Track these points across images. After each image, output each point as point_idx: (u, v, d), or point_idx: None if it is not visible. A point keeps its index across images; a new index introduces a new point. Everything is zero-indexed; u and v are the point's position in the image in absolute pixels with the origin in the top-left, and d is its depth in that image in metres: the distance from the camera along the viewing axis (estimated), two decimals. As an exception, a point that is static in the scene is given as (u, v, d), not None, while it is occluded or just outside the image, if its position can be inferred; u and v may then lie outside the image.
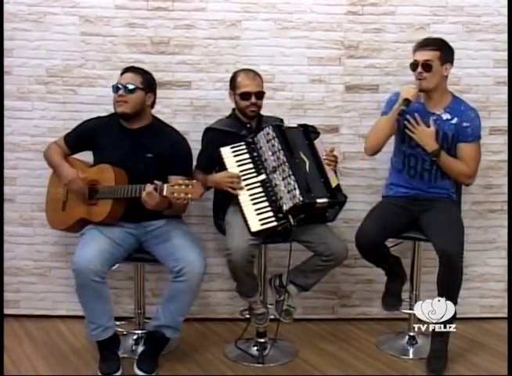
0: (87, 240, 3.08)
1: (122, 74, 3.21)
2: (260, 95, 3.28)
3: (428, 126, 3.20)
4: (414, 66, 3.19)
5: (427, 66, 3.14)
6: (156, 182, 2.92)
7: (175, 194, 2.86)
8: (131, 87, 3.13)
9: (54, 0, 3.54)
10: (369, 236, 3.14)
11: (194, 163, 3.30)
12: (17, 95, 3.61)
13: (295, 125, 3.26)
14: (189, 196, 2.85)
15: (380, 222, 3.19)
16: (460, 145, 3.22)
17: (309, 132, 3.22)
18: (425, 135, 3.17)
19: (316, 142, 3.21)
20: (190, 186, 2.86)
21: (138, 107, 3.17)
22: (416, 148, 3.26)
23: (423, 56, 3.15)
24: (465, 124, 3.20)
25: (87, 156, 3.32)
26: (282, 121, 3.42)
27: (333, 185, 3.11)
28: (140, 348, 3.27)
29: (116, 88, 3.14)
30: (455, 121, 3.22)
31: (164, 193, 2.89)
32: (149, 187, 2.91)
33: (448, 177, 3.29)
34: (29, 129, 3.64)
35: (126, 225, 3.17)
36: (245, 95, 3.24)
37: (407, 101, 3.13)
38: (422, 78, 3.16)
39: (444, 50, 3.18)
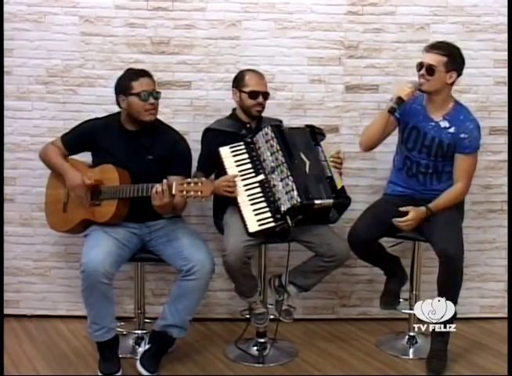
0: (94, 241, 3.04)
1: (136, 78, 3.07)
2: (266, 95, 3.30)
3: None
4: (419, 66, 3.15)
5: (430, 70, 3.09)
6: (164, 181, 2.91)
7: (185, 192, 2.83)
8: (158, 94, 3.12)
9: (54, 0, 3.54)
10: (359, 234, 3.14)
11: (194, 164, 3.29)
12: (17, 95, 3.61)
13: (302, 126, 3.27)
14: (200, 194, 2.81)
15: (371, 221, 3.19)
16: (457, 156, 3.18)
17: (316, 133, 3.22)
18: (415, 219, 3.13)
19: (323, 143, 3.21)
20: (200, 184, 2.82)
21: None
22: (412, 151, 3.25)
23: (430, 59, 3.10)
24: (462, 136, 3.15)
25: (84, 156, 3.30)
26: (281, 122, 3.42)
27: (339, 186, 3.12)
28: (141, 349, 3.28)
29: (145, 96, 3.05)
30: (452, 130, 3.17)
31: (173, 191, 2.86)
32: (160, 186, 2.89)
33: (445, 181, 3.26)
34: (29, 129, 3.64)
35: (130, 225, 3.15)
36: (253, 94, 3.25)
37: (400, 100, 3.11)
38: (424, 80, 3.13)
39: (452, 57, 3.11)
